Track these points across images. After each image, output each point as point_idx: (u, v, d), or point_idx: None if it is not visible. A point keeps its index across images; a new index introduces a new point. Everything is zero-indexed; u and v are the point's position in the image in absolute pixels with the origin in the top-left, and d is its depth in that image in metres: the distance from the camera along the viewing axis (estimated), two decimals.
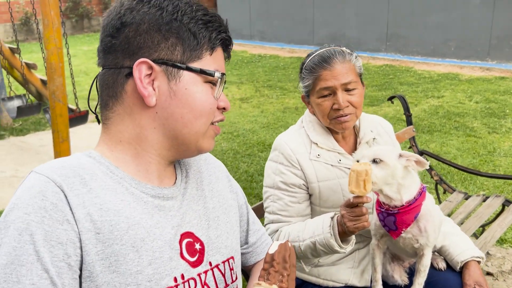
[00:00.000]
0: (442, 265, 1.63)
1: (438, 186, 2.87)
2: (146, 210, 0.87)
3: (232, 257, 1.02)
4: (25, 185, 0.79)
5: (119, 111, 0.89)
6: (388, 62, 8.82)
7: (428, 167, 1.38)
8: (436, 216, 1.43)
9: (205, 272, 0.93)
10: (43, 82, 5.39)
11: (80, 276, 0.78)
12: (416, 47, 8.92)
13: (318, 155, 1.55)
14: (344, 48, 1.53)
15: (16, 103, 4.80)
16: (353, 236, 1.43)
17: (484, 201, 2.58)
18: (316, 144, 1.56)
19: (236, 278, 1.02)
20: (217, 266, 0.97)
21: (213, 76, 0.90)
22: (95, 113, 0.96)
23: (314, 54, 1.54)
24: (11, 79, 5.56)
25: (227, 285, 0.98)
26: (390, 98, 2.90)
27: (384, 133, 1.69)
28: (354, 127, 1.65)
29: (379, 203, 1.43)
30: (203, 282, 0.92)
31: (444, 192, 2.84)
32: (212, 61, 0.91)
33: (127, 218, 0.83)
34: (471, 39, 8.12)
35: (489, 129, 4.97)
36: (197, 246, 0.94)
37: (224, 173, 1.14)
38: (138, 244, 0.83)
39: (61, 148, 3.38)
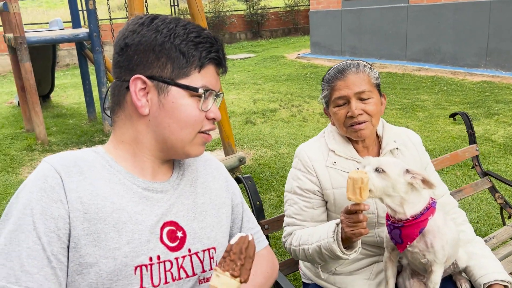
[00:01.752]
0: (465, 286, 1.58)
1: (504, 210, 2.66)
2: (133, 199, 1.03)
3: (214, 248, 1.14)
4: (35, 171, 1.00)
5: (122, 117, 1.08)
6: (487, 79, 8.19)
7: (435, 188, 1.36)
8: (446, 234, 1.40)
9: (183, 257, 1.07)
10: None
11: (68, 247, 0.96)
12: None
13: (335, 162, 1.60)
14: (360, 61, 1.60)
15: None
16: (359, 243, 1.45)
17: None
18: (334, 151, 1.62)
19: None
20: (196, 253, 1.09)
21: (197, 92, 1.04)
22: (109, 116, 1.16)
23: (332, 68, 1.62)
24: None
25: (204, 271, 1.10)
26: (452, 115, 2.78)
27: (411, 146, 1.69)
28: (378, 137, 1.68)
29: (388, 216, 1.45)
30: (179, 265, 1.06)
31: (509, 217, 2.63)
32: (200, 77, 1.05)
33: (112, 203, 1.00)
34: None
35: None
36: (179, 234, 1.08)
37: (223, 174, 1.27)
38: (120, 225, 0.99)
39: None
